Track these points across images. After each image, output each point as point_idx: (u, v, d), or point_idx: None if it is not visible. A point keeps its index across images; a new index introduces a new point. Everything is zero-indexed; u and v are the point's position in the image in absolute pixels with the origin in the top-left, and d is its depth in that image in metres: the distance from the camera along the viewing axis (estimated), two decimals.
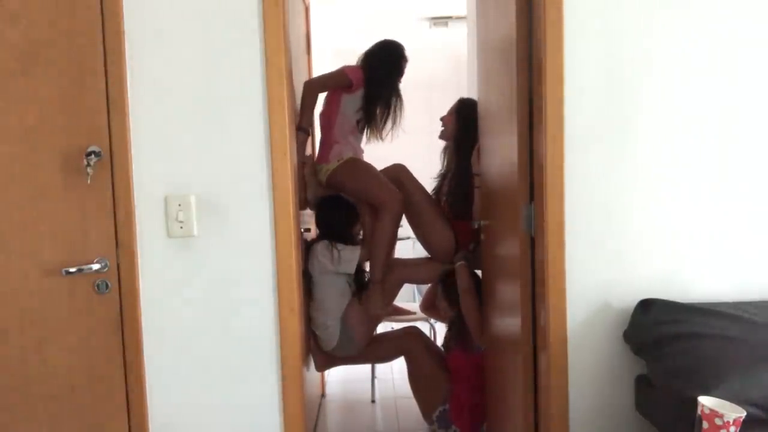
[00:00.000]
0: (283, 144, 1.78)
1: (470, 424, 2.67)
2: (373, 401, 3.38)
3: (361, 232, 2.87)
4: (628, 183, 1.74)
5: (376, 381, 3.45)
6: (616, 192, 1.74)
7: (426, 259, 2.94)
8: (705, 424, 1.28)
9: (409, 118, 2.93)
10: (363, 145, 2.88)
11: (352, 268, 2.68)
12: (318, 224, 2.83)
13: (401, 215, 2.78)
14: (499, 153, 2.11)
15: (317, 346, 2.77)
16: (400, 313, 3.41)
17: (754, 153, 1.74)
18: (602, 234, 1.75)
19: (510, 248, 1.99)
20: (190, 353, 1.82)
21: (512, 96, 1.86)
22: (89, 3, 1.71)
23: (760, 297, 1.75)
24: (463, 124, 2.80)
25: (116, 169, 1.74)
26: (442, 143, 3.00)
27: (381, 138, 2.84)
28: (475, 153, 2.68)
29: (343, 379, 3.71)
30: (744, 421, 1.26)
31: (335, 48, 5.03)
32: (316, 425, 2.97)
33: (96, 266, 1.74)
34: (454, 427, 2.70)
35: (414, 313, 3.45)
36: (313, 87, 2.73)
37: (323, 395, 3.48)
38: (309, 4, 3.29)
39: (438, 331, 3.56)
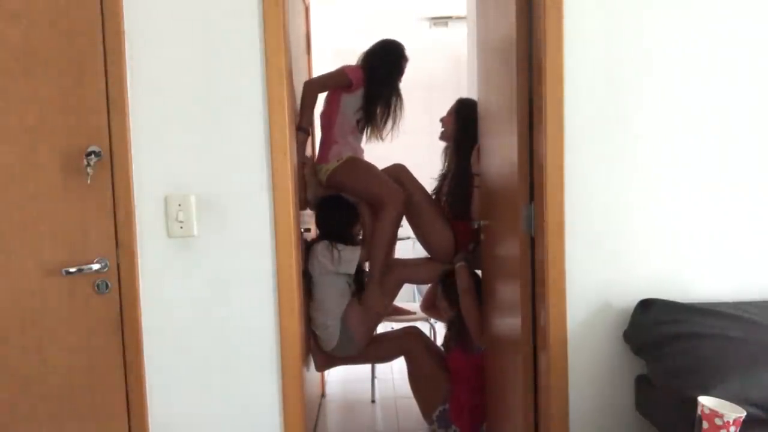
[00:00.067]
0: (283, 144, 1.78)
1: (470, 424, 2.68)
2: (373, 401, 3.38)
3: (361, 232, 2.87)
4: (628, 183, 1.74)
5: (376, 381, 3.46)
6: (616, 192, 1.74)
7: (426, 259, 2.94)
8: (705, 424, 1.28)
9: (409, 118, 2.93)
10: (363, 144, 2.89)
11: (352, 269, 2.67)
12: (318, 224, 2.83)
13: (402, 213, 2.78)
14: (499, 153, 2.11)
15: (317, 346, 2.77)
16: (400, 313, 3.41)
17: (754, 153, 1.74)
18: (602, 234, 1.75)
19: (510, 248, 1.99)
20: (190, 353, 1.82)
21: (512, 96, 1.86)
22: (89, 3, 1.71)
23: (760, 297, 1.75)
24: (462, 125, 2.80)
25: (116, 169, 1.74)
26: (442, 143, 3.00)
27: (381, 138, 2.84)
28: (474, 153, 2.68)
29: (343, 379, 3.71)
30: (744, 421, 1.26)
31: (335, 48, 5.03)
32: (316, 425, 2.97)
33: (96, 266, 1.74)
34: (454, 427, 2.70)
35: (414, 313, 3.45)
36: (312, 87, 2.73)
37: (323, 395, 3.48)
38: (309, 4, 3.29)
39: (438, 331, 3.56)
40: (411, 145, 3.87)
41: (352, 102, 2.75)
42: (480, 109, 2.50)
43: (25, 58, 1.70)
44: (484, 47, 2.36)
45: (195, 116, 1.77)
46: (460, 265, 2.72)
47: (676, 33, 1.72)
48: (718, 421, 1.26)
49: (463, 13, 3.99)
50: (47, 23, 1.70)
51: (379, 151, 2.95)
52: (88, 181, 1.69)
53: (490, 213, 2.31)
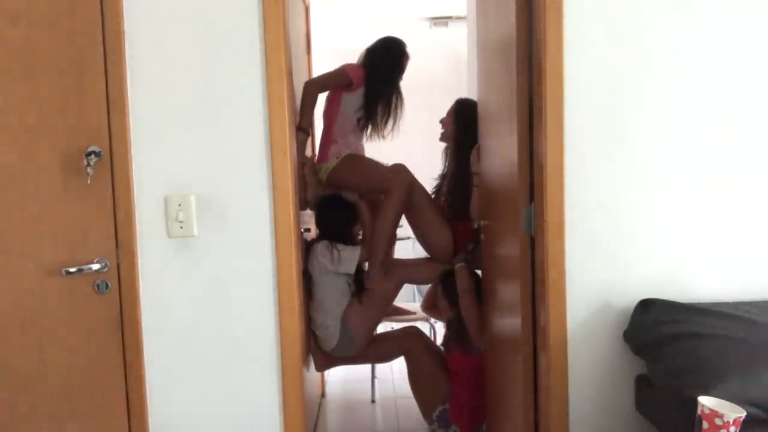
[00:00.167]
0: (283, 143, 1.78)
1: (470, 424, 2.68)
2: (373, 401, 3.38)
3: (361, 232, 2.87)
4: (628, 183, 1.74)
5: (376, 381, 3.46)
6: (616, 192, 1.74)
7: (426, 259, 2.94)
8: (705, 424, 1.28)
9: (410, 118, 2.93)
10: (363, 143, 2.88)
11: (352, 268, 2.67)
12: (318, 224, 2.83)
13: (406, 201, 2.75)
14: (499, 153, 2.11)
15: (317, 346, 2.77)
16: (400, 313, 3.41)
17: (754, 153, 1.74)
18: (602, 234, 1.75)
19: (510, 248, 1.99)
20: (190, 353, 1.82)
21: (512, 96, 1.86)
22: (89, 3, 1.71)
23: (760, 297, 1.75)
24: (461, 125, 2.80)
25: (116, 169, 1.74)
26: (442, 143, 3.00)
27: (382, 137, 2.84)
28: (474, 152, 2.68)
29: (343, 379, 3.71)
30: (744, 421, 1.26)
31: (335, 48, 5.03)
32: (316, 425, 2.97)
33: (96, 266, 1.74)
34: (454, 427, 2.70)
35: (414, 313, 3.44)
36: (313, 87, 2.73)
37: (323, 395, 3.48)
38: (309, 4, 3.29)
39: (438, 331, 3.56)
40: (411, 144, 3.87)
41: (353, 101, 2.75)
42: (480, 109, 2.50)
43: (25, 59, 1.70)
44: (484, 47, 2.36)
45: (195, 116, 1.77)
46: (459, 265, 2.72)
47: (676, 33, 1.72)
48: (718, 421, 1.26)
49: (463, 13, 3.99)
50: (47, 23, 1.70)
51: (379, 151, 2.95)
52: (88, 181, 1.69)
53: (490, 213, 2.31)
